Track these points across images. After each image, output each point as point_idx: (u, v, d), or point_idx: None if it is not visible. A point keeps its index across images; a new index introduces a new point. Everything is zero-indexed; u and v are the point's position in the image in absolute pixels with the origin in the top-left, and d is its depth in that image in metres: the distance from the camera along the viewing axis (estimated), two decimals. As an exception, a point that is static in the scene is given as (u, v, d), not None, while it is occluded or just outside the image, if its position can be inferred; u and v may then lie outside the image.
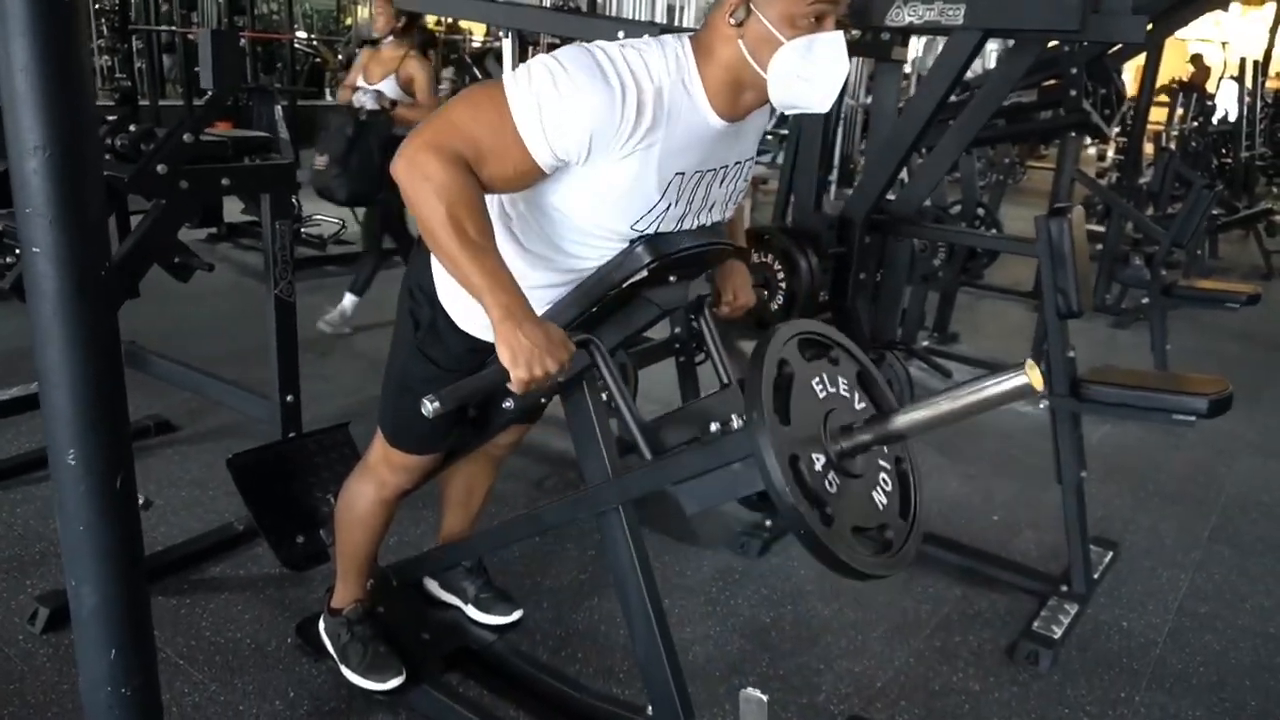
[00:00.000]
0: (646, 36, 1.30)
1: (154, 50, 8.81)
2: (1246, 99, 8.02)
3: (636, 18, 5.17)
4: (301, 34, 11.23)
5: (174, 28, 8.81)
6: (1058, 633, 2.21)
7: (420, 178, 1.23)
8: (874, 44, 2.35)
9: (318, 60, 11.06)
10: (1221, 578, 2.59)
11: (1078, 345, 2.29)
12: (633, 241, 1.35)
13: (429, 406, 1.29)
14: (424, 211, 1.24)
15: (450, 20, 12.39)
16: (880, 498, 1.30)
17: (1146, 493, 3.09)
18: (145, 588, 1.43)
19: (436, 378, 1.54)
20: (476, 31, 12.73)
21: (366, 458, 1.74)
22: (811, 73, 1.25)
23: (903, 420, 1.22)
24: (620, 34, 2.75)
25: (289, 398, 2.50)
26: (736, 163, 1.41)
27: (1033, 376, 1.09)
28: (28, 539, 2.39)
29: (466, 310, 1.49)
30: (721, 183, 1.41)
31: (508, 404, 1.62)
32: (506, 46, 3.23)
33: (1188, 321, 4.93)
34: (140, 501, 2.05)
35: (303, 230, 5.47)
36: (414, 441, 1.63)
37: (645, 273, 1.34)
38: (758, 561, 2.52)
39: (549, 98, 1.21)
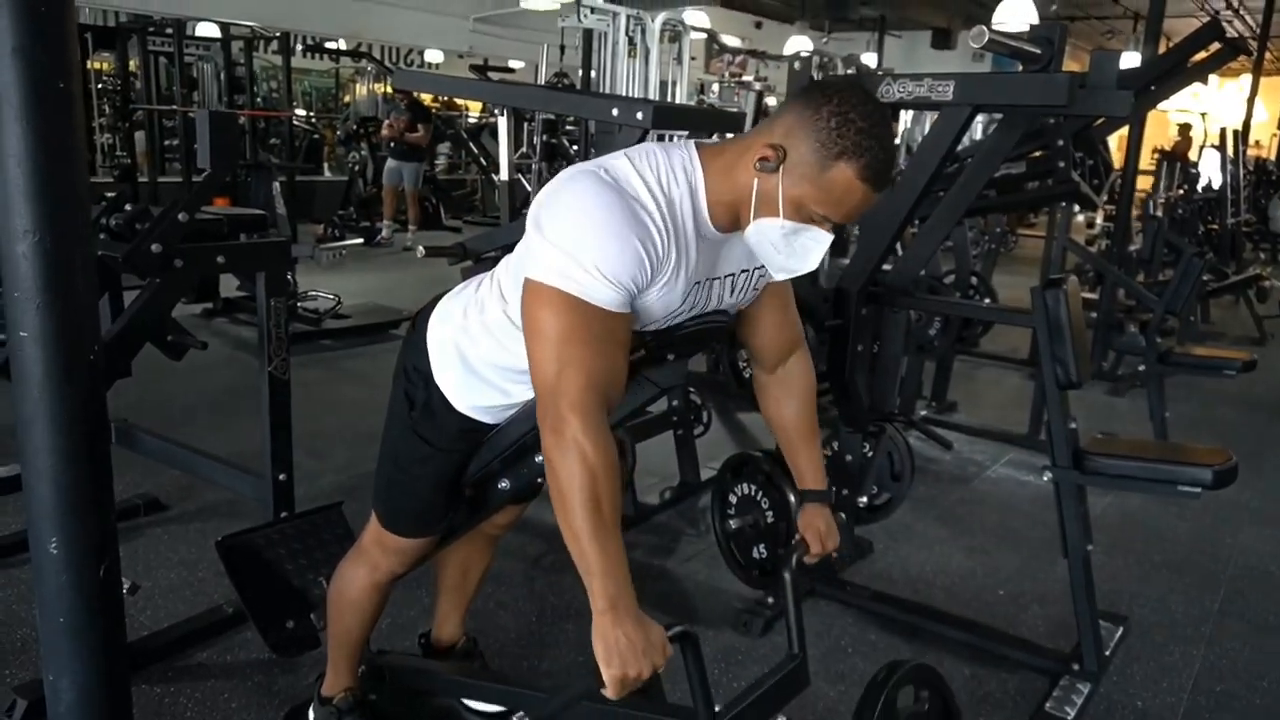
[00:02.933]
0: (650, 144, 1.30)
1: (154, 129, 8.96)
2: (1229, 167, 8.16)
3: (630, 94, 5.26)
4: (300, 111, 11.43)
5: (175, 107, 8.97)
6: (1070, 714, 2.14)
7: (568, 441, 1.17)
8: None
9: (316, 136, 11.25)
10: (1235, 653, 2.53)
11: (1075, 414, 2.27)
12: None
13: None
14: (564, 480, 1.18)
15: (446, 96, 12.67)
16: None
17: (1152, 564, 3.04)
18: (127, 682, 1.38)
19: (430, 458, 1.51)
20: (473, 108, 13.01)
21: (360, 539, 1.70)
22: (786, 251, 1.27)
23: None
24: (614, 111, 2.79)
25: (281, 476, 2.45)
26: (743, 270, 1.40)
27: None
28: (9, 624, 2.33)
29: (462, 389, 1.47)
30: (732, 292, 1.41)
31: (504, 484, 1.59)
32: (502, 124, 3.27)
33: (1185, 388, 4.93)
34: (125, 587, 2.01)
35: (299, 305, 5.47)
36: (408, 523, 1.60)
37: (642, 351, 1.33)
38: (760, 640, 2.46)
39: (594, 250, 1.18)
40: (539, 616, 2.53)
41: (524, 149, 9.56)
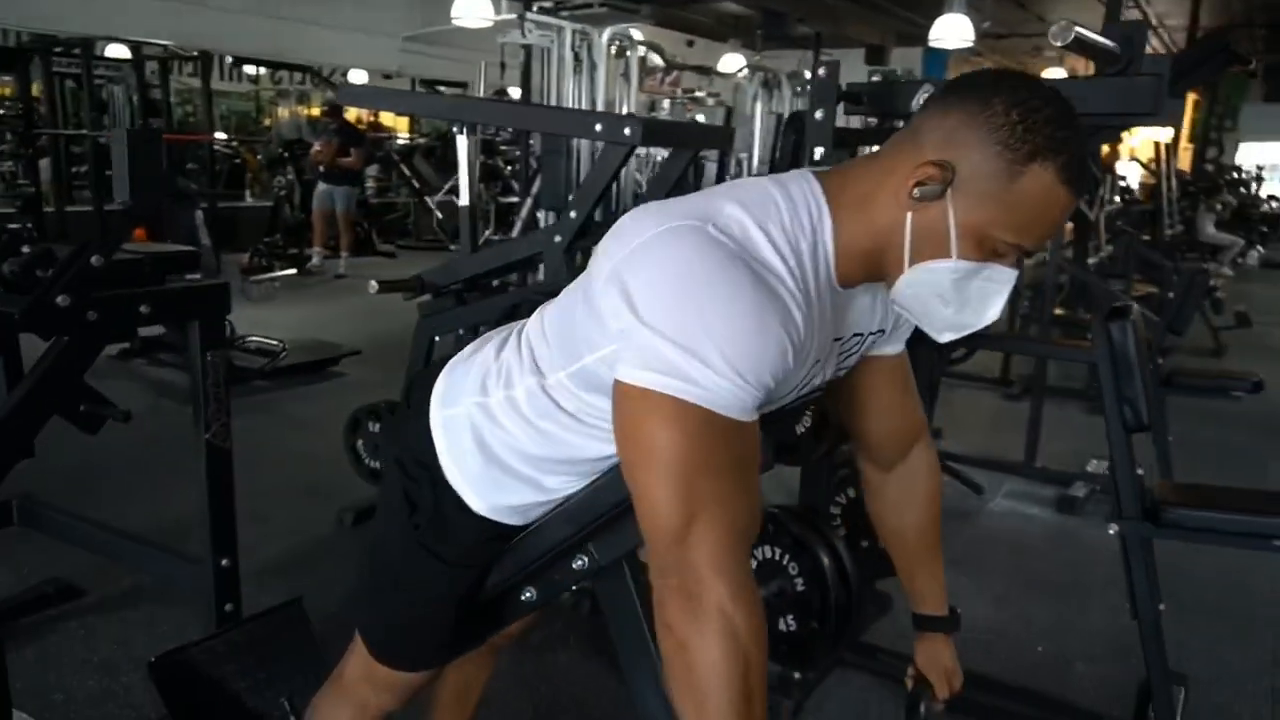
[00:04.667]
0: (754, 180, 0.97)
1: (60, 156, 8.34)
2: (1167, 179, 8.22)
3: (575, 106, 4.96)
4: (221, 135, 10.84)
5: (84, 131, 8.36)
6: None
7: (713, 615, 0.84)
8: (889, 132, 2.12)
9: (238, 161, 10.68)
10: (1305, 710, 2.31)
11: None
12: None
13: None
14: (704, 668, 0.85)
15: (372, 117, 12.20)
16: None
17: (1185, 608, 2.82)
18: None
19: (441, 576, 1.17)
20: (400, 127, 12.58)
21: (341, 672, 1.33)
22: (957, 302, 0.94)
23: None
24: (598, 127, 2.48)
25: (224, 562, 2.07)
26: (855, 335, 1.07)
27: None
28: None
29: (483, 486, 1.13)
30: (839, 358, 1.07)
31: (528, 594, 1.25)
32: (462, 143, 2.93)
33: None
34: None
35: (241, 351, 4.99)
36: (410, 656, 1.24)
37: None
38: (794, 727, 2.15)
39: (725, 344, 0.84)
40: (534, 712, 2.18)
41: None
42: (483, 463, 1.11)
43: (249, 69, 11.51)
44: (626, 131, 2.39)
